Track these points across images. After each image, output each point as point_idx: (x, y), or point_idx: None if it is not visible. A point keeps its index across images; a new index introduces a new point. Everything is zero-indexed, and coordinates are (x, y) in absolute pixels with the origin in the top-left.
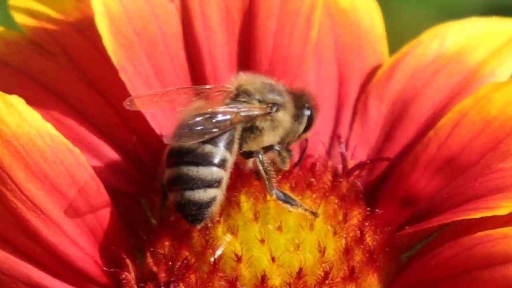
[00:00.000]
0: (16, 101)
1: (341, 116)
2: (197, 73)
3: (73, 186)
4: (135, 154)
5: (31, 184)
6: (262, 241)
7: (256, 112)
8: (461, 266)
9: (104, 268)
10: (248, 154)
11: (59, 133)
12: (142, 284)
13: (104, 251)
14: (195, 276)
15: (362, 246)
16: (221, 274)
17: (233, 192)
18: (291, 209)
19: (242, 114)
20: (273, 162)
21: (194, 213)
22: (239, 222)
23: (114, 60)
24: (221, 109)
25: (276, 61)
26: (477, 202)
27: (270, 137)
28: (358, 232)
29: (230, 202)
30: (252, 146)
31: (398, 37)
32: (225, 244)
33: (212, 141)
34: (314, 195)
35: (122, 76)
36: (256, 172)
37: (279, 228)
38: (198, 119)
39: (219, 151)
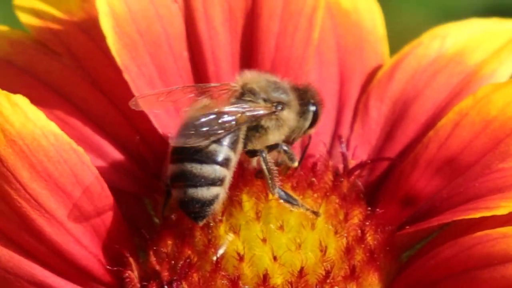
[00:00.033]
0: (21, 100)
1: (342, 116)
2: (200, 73)
3: (76, 186)
4: (138, 154)
5: (35, 183)
6: (264, 240)
7: (261, 112)
8: (461, 266)
9: (108, 267)
10: (253, 153)
11: (63, 132)
12: (145, 283)
13: (107, 250)
14: (197, 275)
15: (363, 246)
16: (223, 273)
17: (235, 192)
18: (292, 208)
19: (248, 114)
20: (277, 162)
21: (197, 210)
22: (241, 221)
23: (118, 60)
24: (227, 109)
25: (278, 61)
26: (477, 202)
27: (275, 136)
28: (359, 231)
29: (232, 202)
30: (256, 145)
31: (398, 38)
32: (227, 243)
33: (217, 139)
34: (315, 195)
35: (126, 76)
36: (260, 171)
37: (281, 228)
38: (203, 119)
39: (223, 150)
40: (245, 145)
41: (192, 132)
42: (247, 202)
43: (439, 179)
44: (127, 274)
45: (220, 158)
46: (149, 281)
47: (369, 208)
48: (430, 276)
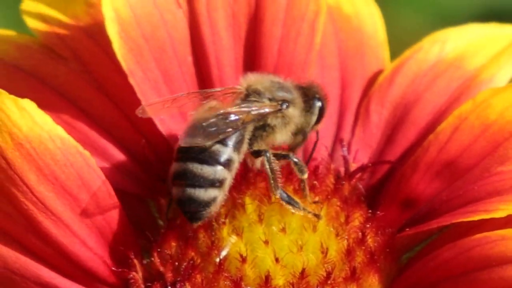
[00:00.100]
0: (28, 105)
1: (344, 120)
2: (203, 78)
3: (82, 188)
4: (143, 157)
5: (42, 186)
6: (266, 242)
7: (267, 110)
8: (460, 268)
9: (113, 268)
10: (258, 153)
11: (69, 136)
12: (149, 284)
13: (112, 251)
14: (200, 276)
15: (364, 247)
16: (226, 274)
17: (238, 194)
18: (293, 210)
19: (254, 113)
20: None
21: (193, 210)
22: (244, 223)
23: (124, 64)
24: (233, 109)
25: (281, 66)
26: (476, 204)
27: (282, 134)
28: (360, 233)
29: (235, 204)
30: (262, 145)
31: (396, 41)
32: (230, 245)
33: (222, 140)
34: (317, 198)
35: (131, 81)
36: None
37: (283, 230)
38: (211, 120)
39: (227, 151)
40: (251, 145)
41: (201, 132)
42: (250, 205)
43: (439, 182)
44: (131, 275)
45: (222, 158)
46: (153, 282)
47: (370, 211)
48: (430, 277)
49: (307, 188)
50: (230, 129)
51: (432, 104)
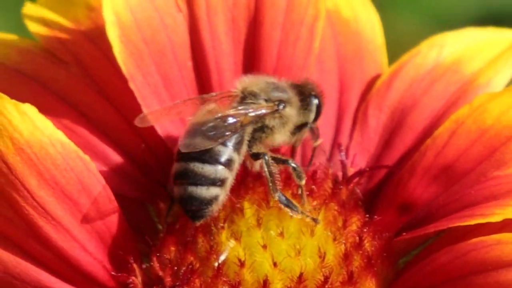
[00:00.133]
0: (29, 109)
1: (342, 124)
2: (203, 82)
3: (83, 193)
4: (143, 161)
5: (42, 191)
6: (264, 246)
7: (264, 111)
8: (457, 272)
9: (112, 273)
10: (257, 156)
11: (70, 141)
12: None
13: (112, 256)
14: (199, 280)
15: (361, 252)
16: (224, 279)
17: (237, 199)
18: (291, 213)
19: (251, 114)
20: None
21: (195, 209)
22: (243, 228)
23: (124, 69)
24: (231, 112)
25: (280, 69)
26: (473, 209)
27: (281, 134)
28: (357, 238)
29: (234, 209)
30: (261, 147)
31: (394, 45)
32: (229, 249)
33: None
34: (315, 202)
35: (131, 85)
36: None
37: (281, 234)
38: (210, 124)
39: (227, 151)
40: (250, 147)
41: (200, 136)
42: (249, 209)
43: (436, 186)
44: (131, 280)
45: (223, 158)
46: (152, 286)
47: (367, 215)
48: (427, 281)
49: (305, 194)
50: (229, 132)
51: (430, 108)
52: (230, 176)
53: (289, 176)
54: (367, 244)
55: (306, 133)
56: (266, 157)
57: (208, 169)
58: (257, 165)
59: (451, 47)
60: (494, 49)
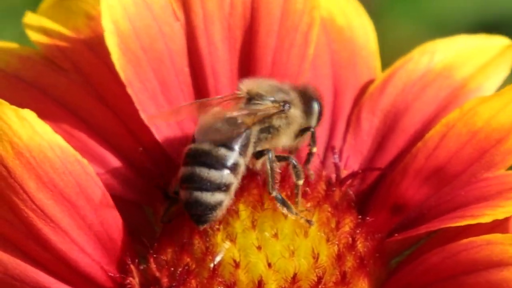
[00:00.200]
0: (29, 115)
1: (336, 128)
2: (200, 88)
3: (81, 195)
4: (140, 164)
5: (41, 194)
6: (259, 247)
7: (272, 111)
8: (448, 271)
9: (110, 274)
10: (261, 154)
11: (68, 145)
12: None
13: (110, 257)
14: (195, 281)
15: (354, 252)
16: (220, 279)
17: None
18: (286, 212)
19: (260, 113)
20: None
21: (199, 213)
22: (238, 229)
23: (122, 75)
24: (241, 111)
25: (275, 75)
26: (463, 210)
27: (286, 135)
28: (350, 239)
29: (229, 211)
30: (265, 146)
31: (391, 51)
32: (224, 250)
33: (228, 144)
34: (309, 204)
35: (129, 91)
36: (262, 173)
37: (275, 236)
38: (221, 123)
39: (233, 155)
40: (256, 148)
41: (214, 132)
42: (244, 211)
43: (427, 188)
44: (128, 281)
45: (229, 163)
46: (149, 287)
47: (360, 216)
48: (418, 281)
49: (300, 193)
50: (237, 132)
51: (421, 112)
52: (235, 181)
53: (283, 178)
54: (359, 245)
55: (307, 137)
56: (270, 154)
57: (214, 174)
58: (258, 164)
59: (443, 53)
60: (485, 55)
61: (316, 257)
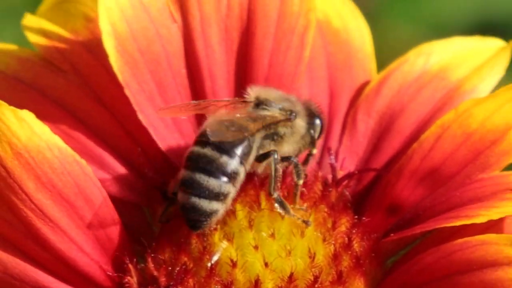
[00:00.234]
0: (27, 115)
1: (332, 129)
2: (197, 89)
3: (79, 196)
4: (138, 165)
5: (40, 194)
6: (256, 247)
7: (279, 118)
8: (443, 271)
9: (108, 273)
10: (263, 157)
11: (67, 145)
12: None
13: (108, 256)
14: (193, 280)
15: (350, 252)
16: (217, 279)
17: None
18: (284, 213)
19: (268, 119)
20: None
21: (195, 218)
22: (235, 229)
23: (120, 77)
24: (248, 116)
25: (271, 77)
26: (458, 210)
27: (289, 144)
28: (346, 239)
29: (226, 211)
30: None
31: (390, 51)
32: (222, 250)
33: (230, 151)
34: (305, 204)
35: (127, 92)
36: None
37: (272, 235)
38: (228, 125)
39: (233, 164)
40: (258, 153)
41: (225, 130)
42: (241, 211)
43: (423, 188)
44: (127, 280)
45: (229, 171)
46: (147, 286)
47: (356, 217)
48: (414, 280)
49: (299, 193)
50: (248, 133)
51: (417, 114)
52: (233, 190)
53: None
54: (356, 245)
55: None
56: (276, 155)
57: (213, 183)
58: (261, 167)
59: (438, 55)
60: (480, 57)
61: (312, 257)
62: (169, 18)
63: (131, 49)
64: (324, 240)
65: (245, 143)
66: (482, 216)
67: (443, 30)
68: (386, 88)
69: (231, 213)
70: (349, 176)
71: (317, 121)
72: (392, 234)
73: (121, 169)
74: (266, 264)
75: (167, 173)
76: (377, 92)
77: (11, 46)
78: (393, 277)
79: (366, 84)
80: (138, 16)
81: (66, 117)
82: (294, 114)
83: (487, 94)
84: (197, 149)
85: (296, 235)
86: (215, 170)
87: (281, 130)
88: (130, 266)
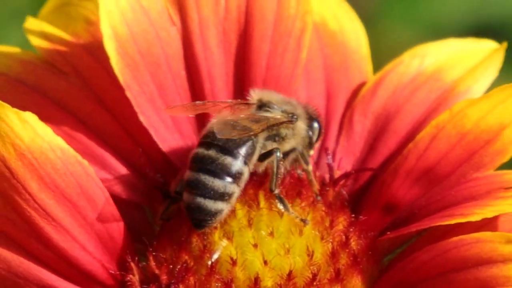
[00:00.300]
0: (30, 117)
1: (329, 130)
2: (196, 91)
3: (82, 196)
4: (139, 166)
5: (43, 194)
6: (255, 245)
7: (282, 120)
8: (438, 269)
9: (111, 271)
10: (264, 156)
11: (69, 146)
12: (145, 286)
13: (110, 255)
14: (193, 278)
15: (347, 250)
16: (217, 277)
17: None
18: (283, 211)
19: (271, 121)
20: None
21: (199, 218)
22: (235, 228)
23: (121, 78)
24: (252, 117)
25: (269, 79)
26: (453, 209)
27: (290, 145)
28: (344, 237)
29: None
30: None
31: (388, 53)
32: (221, 248)
33: (234, 151)
34: (303, 203)
35: (128, 94)
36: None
37: (271, 234)
38: (233, 124)
39: (238, 164)
40: (260, 153)
41: (229, 128)
42: (240, 210)
43: (418, 188)
44: (128, 278)
45: (233, 172)
46: (149, 284)
47: (353, 215)
48: (410, 278)
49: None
50: (252, 133)
51: (412, 114)
52: (237, 190)
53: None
54: (353, 243)
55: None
56: (278, 153)
57: (217, 183)
58: (262, 166)
59: (433, 56)
60: (474, 58)
61: (310, 255)
62: (168, 21)
63: (132, 51)
64: (322, 238)
65: (249, 144)
66: (476, 214)
67: (441, 32)
68: (382, 89)
69: (230, 212)
70: (346, 175)
71: (316, 124)
72: (388, 233)
73: (122, 170)
74: (265, 262)
75: (167, 173)
76: (373, 94)
77: (13, 49)
78: (389, 275)
79: (362, 85)
80: (138, 19)
81: (68, 119)
82: (295, 116)
83: (481, 95)
84: (202, 150)
85: (295, 233)
86: (219, 171)
87: (283, 131)
88: (132, 264)
